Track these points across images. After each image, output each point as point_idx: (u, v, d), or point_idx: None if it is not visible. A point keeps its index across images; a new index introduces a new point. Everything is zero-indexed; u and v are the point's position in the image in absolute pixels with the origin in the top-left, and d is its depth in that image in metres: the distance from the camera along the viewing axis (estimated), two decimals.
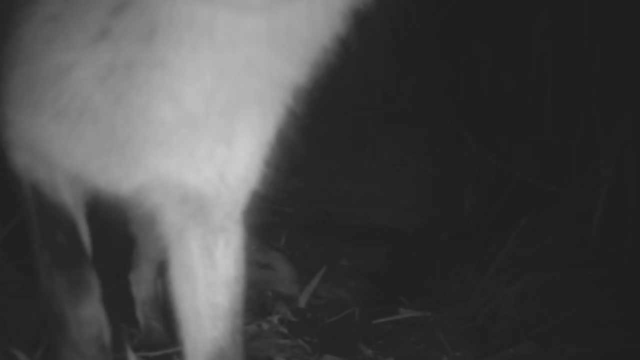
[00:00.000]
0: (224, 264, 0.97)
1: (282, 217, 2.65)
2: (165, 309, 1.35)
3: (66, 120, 0.89)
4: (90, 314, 0.96)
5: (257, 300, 1.83)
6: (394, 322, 1.71)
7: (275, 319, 1.60)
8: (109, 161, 0.90)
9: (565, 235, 1.91)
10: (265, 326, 1.55)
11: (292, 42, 0.86)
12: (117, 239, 1.28)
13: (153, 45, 0.83)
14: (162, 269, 1.28)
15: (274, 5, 0.80)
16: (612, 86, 1.87)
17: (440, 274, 1.95)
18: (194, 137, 0.89)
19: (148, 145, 0.89)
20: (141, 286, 1.33)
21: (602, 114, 1.78)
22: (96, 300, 0.97)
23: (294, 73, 0.91)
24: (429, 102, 3.28)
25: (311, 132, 3.27)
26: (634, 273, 1.57)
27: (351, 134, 3.54)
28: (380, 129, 3.38)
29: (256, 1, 0.78)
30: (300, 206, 2.79)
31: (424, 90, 3.38)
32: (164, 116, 0.87)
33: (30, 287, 1.44)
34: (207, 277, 0.97)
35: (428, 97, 3.37)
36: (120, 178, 0.93)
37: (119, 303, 1.38)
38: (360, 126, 3.53)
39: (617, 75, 1.82)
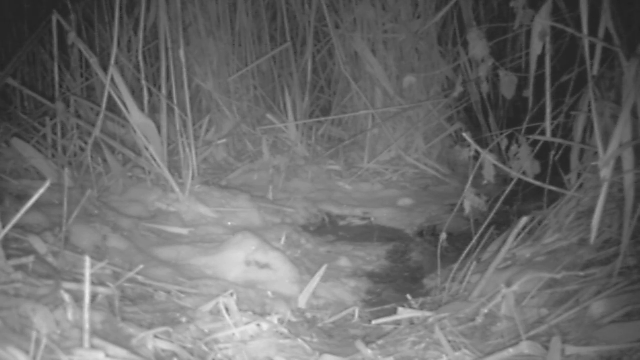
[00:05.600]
0: None
1: (282, 217, 2.65)
2: None
3: None
4: None
5: (257, 300, 1.83)
6: (394, 322, 1.71)
7: (275, 319, 1.60)
8: None
9: (565, 235, 1.91)
10: (265, 326, 1.55)
11: None
12: None
13: None
14: None
15: None
16: (611, 86, 1.87)
17: (440, 274, 1.95)
18: None
19: None
20: None
21: (601, 113, 1.78)
22: None
23: None
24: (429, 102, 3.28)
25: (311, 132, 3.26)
26: (634, 273, 1.56)
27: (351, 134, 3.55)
28: (381, 129, 3.38)
29: None
30: (300, 206, 2.79)
31: (424, 90, 3.38)
32: None
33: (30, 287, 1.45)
34: None
35: (428, 97, 3.37)
36: None
37: None
38: (361, 126, 3.53)
39: (616, 75, 1.82)
